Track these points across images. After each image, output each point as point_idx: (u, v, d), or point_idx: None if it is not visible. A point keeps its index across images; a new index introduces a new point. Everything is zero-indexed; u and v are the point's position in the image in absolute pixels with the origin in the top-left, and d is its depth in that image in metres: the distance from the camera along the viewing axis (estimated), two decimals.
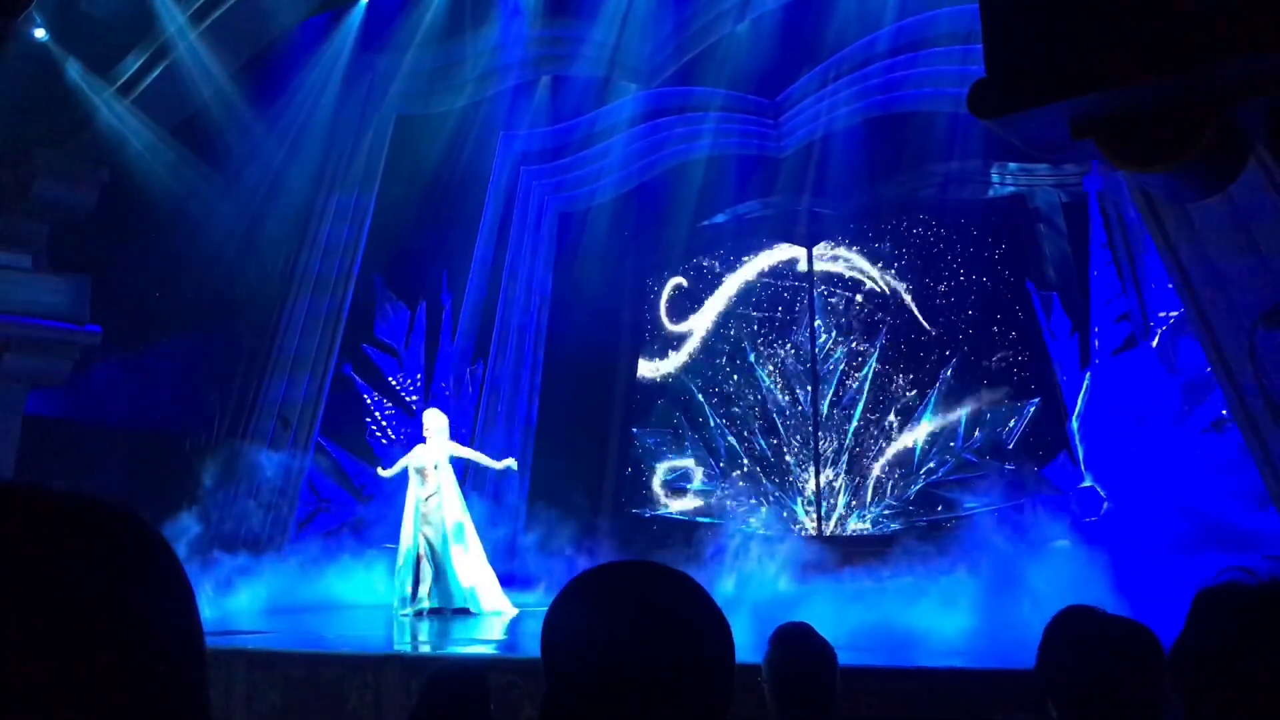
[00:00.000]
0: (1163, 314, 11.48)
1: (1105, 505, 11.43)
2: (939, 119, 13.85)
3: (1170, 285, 10.71)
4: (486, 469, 13.02)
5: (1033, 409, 13.41)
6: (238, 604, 12.21)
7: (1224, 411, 10.37)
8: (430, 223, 15.85)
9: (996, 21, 4.36)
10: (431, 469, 11.73)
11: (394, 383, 16.01)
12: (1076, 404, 11.79)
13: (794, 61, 14.86)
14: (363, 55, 15.01)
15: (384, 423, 15.93)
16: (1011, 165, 14.30)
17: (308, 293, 15.19)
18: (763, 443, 15.18)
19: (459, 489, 12.06)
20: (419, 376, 16.12)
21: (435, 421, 12.12)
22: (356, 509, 15.22)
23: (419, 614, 11.31)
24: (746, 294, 16.34)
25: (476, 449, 13.39)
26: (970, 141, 13.37)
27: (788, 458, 15.04)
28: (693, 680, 1.34)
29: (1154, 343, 11.44)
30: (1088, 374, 11.81)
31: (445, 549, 11.56)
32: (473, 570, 11.65)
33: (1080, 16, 4.08)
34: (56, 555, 0.86)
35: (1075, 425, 11.77)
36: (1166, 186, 4.69)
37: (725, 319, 16.43)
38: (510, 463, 12.56)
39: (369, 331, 16.17)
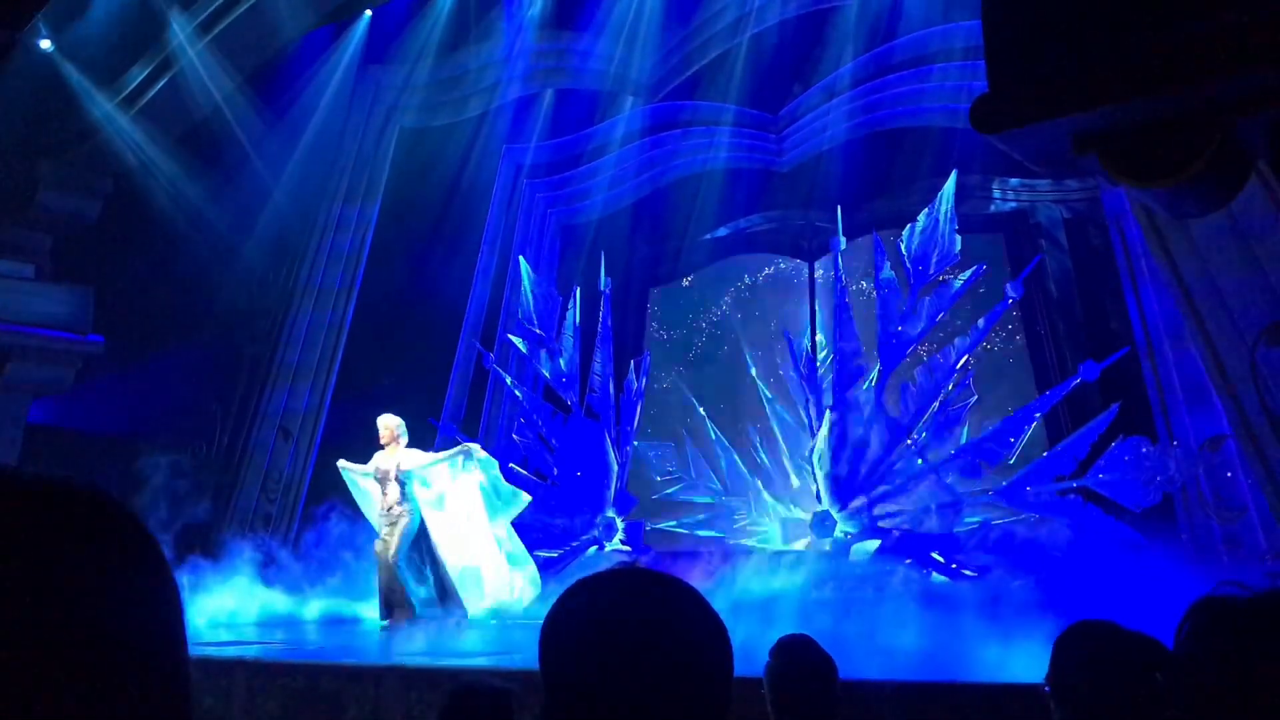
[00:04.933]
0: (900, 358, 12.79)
1: (839, 528, 12.47)
2: (941, 134, 13.86)
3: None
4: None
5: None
6: (236, 613, 12.17)
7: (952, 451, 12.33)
8: (433, 234, 15.85)
9: (999, 36, 4.37)
10: (393, 479, 11.15)
11: (545, 372, 15.26)
12: (817, 439, 12.82)
13: (796, 76, 14.89)
14: (367, 68, 15.08)
15: (536, 419, 15.13)
16: (1013, 180, 14.31)
17: (310, 303, 15.21)
18: (764, 455, 15.14)
19: (418, 499, 11.35)
20: (568, 367, 15.20)
21: (388, 426, 11.38)
22: None
23: (386, 628, 10.86)
24: (748, 307, 16.34)
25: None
26: (972, 157, 13.37)
27: (789, 471, 15.00)
28: (691, 687, 1.34)
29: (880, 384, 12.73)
30: (827, 410, 12.69)
31: (408, 561, 11.09)
32: (449, 573, 11.30)
33: (1083, 32, 4.09)
34: (18, 540, 0.81)
35: (815, 456, 12.78)
36: (1168, 202, 4.69)
37: (727, 331, 16.42)
38: (470, 447, 11.79)
39: (507, 322, 15.89)
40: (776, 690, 3.31)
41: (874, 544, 12.20)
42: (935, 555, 11.90)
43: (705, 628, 1.39)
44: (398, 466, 11.20)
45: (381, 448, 11.41)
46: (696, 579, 11.34)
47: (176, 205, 14.21)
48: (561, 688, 1.38)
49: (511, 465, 14.86)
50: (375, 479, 11.27)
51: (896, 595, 10.74)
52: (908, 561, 11.85)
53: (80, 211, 13.98)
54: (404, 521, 11.11)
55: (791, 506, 14.30)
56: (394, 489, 11.18)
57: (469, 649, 9.92)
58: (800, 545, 13.33)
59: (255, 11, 13.35)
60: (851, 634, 8.35)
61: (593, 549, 14.22)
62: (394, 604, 11.07)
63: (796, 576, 11.80)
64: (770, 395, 15.43)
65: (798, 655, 3.36)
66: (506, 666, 7.44)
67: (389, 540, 11.07)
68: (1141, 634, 2.44)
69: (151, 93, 13.59)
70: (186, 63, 13.40)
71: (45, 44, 12.99)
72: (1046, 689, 2.49)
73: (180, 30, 13.14)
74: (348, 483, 11.76)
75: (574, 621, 1.41)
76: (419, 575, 11.39)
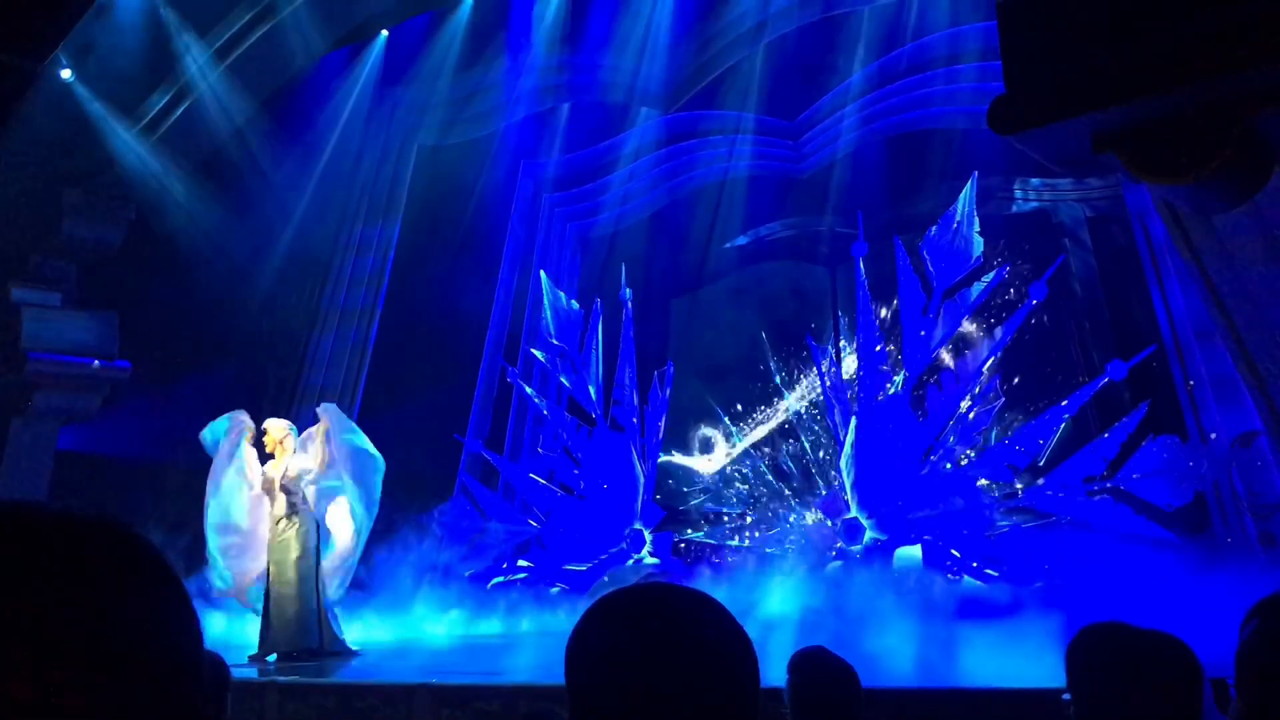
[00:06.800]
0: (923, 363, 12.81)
1: (868, 534, 12.47)
2: (960, 136, 13.80)
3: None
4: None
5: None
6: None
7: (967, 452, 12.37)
8: (455, 252, 15.89)
9: (1015, 37, 4.35)
10: (279, 489, 10.00)
11: (565, 383, 15.33)
12: (844, 446, 12.74)
13: (813, 82, 14.86)
14: (384, 88, 15.16)
15: (561, 433, 15.17)
16: (1034, 180, 14.23)
17: (334, 324, 15.28)
18: (790, 464, 15.09)
19: (315, 512, 10.19)
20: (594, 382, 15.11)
21: (274, 432, 10.24)
22: (526, 530, 14.94)
23: (264, 661, 9.66)
24: (770, 314, 16.27)
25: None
26: (992, 158, 13.29)
27: (816, 478, 14.94)
28: (717, 701, 1.33)
29: (912, 389, 12.77)
30: (854, 416, 12.67)
31: (305, 582, 9.82)
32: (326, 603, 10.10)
33: (1097, 31, 4.06)
34: (44, 572, 0.83)
35: (843, 463, 12.74)
36: (1190, 198, 4.66)
37: (750, 340, 16.36)
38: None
39: (530, 337, 16.00)
40: (797, 703, 3.27)
41: (917, 549, 12.12)
42: (957, 554, 11.84)
43: (731, 641, 1.39)
44: (284, 474, 10.04)
45: (271, 457, 10.25)
46: (722, 590, 11.30)
47: (199, 230, 14.30)
48: (587, 702, 1.37)
49: (533, 476, 14.88)
50: (266, 491, 10.17)
51: (924, 601, 10.68)
52: (939, 568, 11.78)
53: (104, 239, 14.10)
54: (301, 537, 9.93)
55: (820, 514, 14.23)
56: (281, 501, 10.03)
57: (503, 666, 9.90)
58: (829, 553, 13.27)
59: (271, 36, 13.44)
60: (876, 641, 8.32)
61: (630, 561, 14.20)
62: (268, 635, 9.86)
63: (823, 585, 11.76)
64: (795, 403, 15.37)
65: (816, 666, 3.32)
66: (540, 683, 7.42)
67: (283, 564, 9.87)
68: (1157, 631, 2.32)
69: (171, 120, 13.70)
70: (204, 89, 13.51)
71: (65, 74, 13.12)
72: (1066, 698, 2.40)
73: (197, 57, 13.25)
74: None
75: (600, 637, 1.40)
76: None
